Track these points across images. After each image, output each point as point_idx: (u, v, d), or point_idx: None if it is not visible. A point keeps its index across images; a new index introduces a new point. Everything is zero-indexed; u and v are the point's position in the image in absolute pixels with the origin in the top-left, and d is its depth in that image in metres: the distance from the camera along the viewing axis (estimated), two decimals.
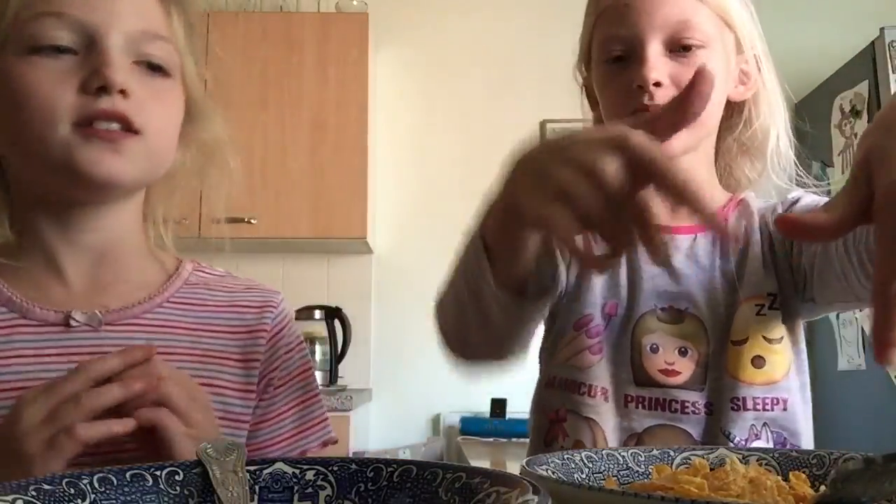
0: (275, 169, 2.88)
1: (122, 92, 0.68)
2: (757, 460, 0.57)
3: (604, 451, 0.56)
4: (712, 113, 0.91)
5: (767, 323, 0.89)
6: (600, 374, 0.90)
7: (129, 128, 0.69)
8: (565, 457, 0.53)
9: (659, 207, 0.89)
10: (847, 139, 2.76)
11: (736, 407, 0.86)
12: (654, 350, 0.89)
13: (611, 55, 0.91)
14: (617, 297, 0.93)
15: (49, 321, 0.71)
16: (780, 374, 0.88)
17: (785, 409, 0.87)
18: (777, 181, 0.98)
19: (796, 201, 0.95)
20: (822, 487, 0.51)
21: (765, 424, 0.86)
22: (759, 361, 0.87)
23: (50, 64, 0.67)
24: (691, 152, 0.89)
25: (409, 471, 0.39)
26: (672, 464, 0.56)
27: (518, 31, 3.26)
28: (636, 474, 0.55)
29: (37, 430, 0.56)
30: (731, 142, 0.98)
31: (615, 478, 0.54)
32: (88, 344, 0.71)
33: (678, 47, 0.88)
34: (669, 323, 0.90)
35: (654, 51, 0.87)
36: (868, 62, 2.66)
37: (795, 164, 0.99)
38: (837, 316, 2.72)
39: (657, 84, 0.86)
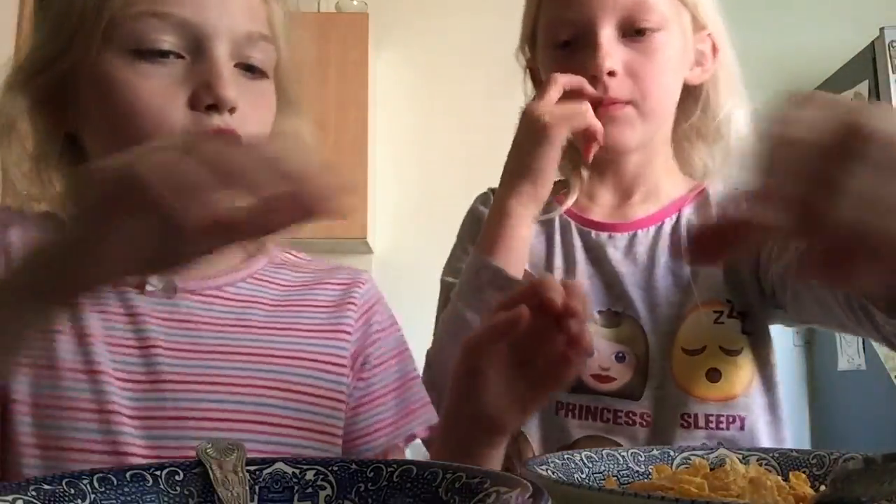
0: None
1: (231, 109, 0.65)
2: (757, 460, 0.57)
3: (604, 451, 0.56)
4: (666, 100, 0.86)
5: (726, 332, 0.81)
6: None
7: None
8: (565, 457, 0.53)
9: (597, 206, 0.91)
10: None
11: (686, 423, 0.78)
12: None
13: (559, 40, 0.85)
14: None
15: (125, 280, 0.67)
16: (739, 389, 0.80)
17: (742, 429, 0.79)
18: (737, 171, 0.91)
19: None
20: (822, 487, 0.51)
21: (719, 444, 0.71)
22: (714, 374, 0.80)
23: (156, 71, 0.64)
24: (654, 137, 0.87)
25: (409, 471, 0.39)
26: (672, 464, 0.56)
27: (518, 30, 3.25)
28: (636, 474, 0.55)
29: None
30: (687, 128, 0.91)
31: (615, 478, 0.54)
32: (160, 310, 0.68)
33: (632, 31, 0.82)
34: (606, 327, 0.83)
35: (607, 36, 0.81)
36: (868, 62, 2.66)
37: None
38: None
39: (611, 73, 0.80)
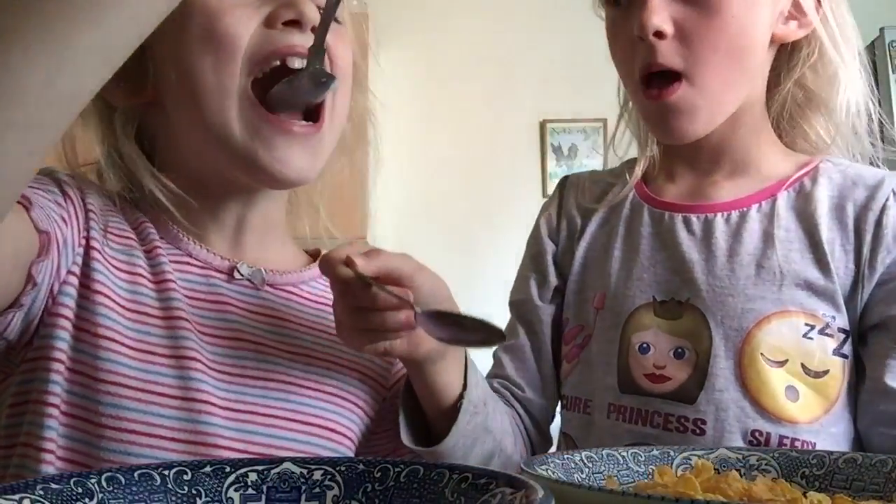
0: None
1: (312, 28, 0.62)
2: (757, 460, 0.57)
3: (604, 451, 0.56)
4: (732, 67, 0.74)
5: (813, 350, 0.70)
6: (575, 383, 0.81)
7: (313, 117, 0.65)
8: (565, 457, 0.53)
9: (675, 185, 0.83)
10: None
11: (756, 441, 0.69)
12: (645, 350, 0.74)
13: None
14: (606, 286, 0.80)
15: (214, 266, 0.67)
16: (809, 416, 0.70)
17: None
18: (851, 146, 0.79)
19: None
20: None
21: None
22: (792, 393, 0.70)
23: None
24: (730, 111, 0.76)
25: (416, 471, 0.40)
26: (672, 464, 0.57)
27: (518, 31, 3.26)
28: (636, 474, 0.55)
29: None
30: (787, 94, 0.79)
31: (615, 478, 0.54)
32: (247, 300, 0.67)
33: None
34: (665, 318, 0.75)
35: None
36: (868, 62, 2.66)
37: (881, 125, 0.80)
38: None
39: (658, 34, 0.71)
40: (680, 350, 0.73)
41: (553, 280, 0.87)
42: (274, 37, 0.62)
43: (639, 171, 0.85)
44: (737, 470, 0.54)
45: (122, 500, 0.39)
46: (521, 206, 3.26)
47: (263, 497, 0.40)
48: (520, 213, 3.17)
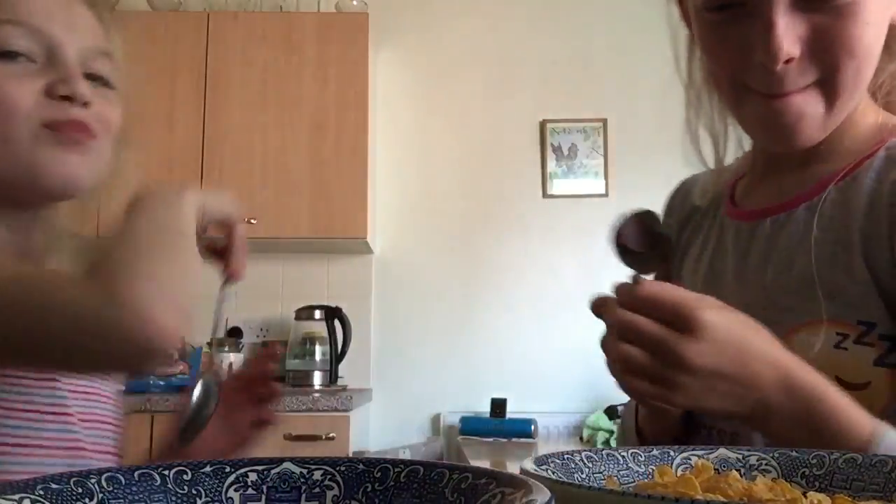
0: (275, 169, 2.88)
1: (85, 103, 0.72)
2: (757, 460, 0.57)
3: (604, 451, 0.56)
4: (866, 67, 0.67)
5: (849, 361, 0.65)
6: None
7: (89, 135, 0.73)
8: (565, 457, 0.53)
9: (760, 188, 0.77)
10: None
11: None
12: None
13: (716, 2, 0.66)
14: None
15: None
16: None
17: None
18: None
19: None
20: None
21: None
22: None
23: (8, 67, 0.70)
24: (851, 109, 0.69)
25: (416, 471, 0.40)
26: (672, 464, 0.57)
27: (518, 31, 3.26)
28: (636, 474, 0.55)
29: None
30: (888, 78, 0.72)
31: (615, 478, 0.54)
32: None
33: None
34: None
35: (783, 7, 0.62)
36: None
37: None
38: None
39: (788, 61, 0.63)
40: None
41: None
42: (59, 108, 0.71)
43: (727, 177, 0.82)
44: (737, 470, 0.54)
45: (122, 500, 0.39)
46: (521, 206, 3.27)
47: (263, 497, 0.40)
48: (520, 213, 3.19)
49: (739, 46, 0.66)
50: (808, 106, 0.67)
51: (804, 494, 0.46)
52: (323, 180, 2.88)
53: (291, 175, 2.88)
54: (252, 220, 2.81)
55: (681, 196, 0.91)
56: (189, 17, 3.04)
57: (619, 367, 0.61)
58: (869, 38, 0.66)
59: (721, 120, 0.80)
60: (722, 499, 0.45)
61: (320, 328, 2.88)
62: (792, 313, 0.68)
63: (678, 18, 0.78)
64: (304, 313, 2.91)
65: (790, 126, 0.68)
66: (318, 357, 2.85)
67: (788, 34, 0.62)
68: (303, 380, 2.80)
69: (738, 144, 0.83)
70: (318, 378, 2.83)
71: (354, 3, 3.12)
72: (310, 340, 2.87)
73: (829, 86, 0.67)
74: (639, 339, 0.58)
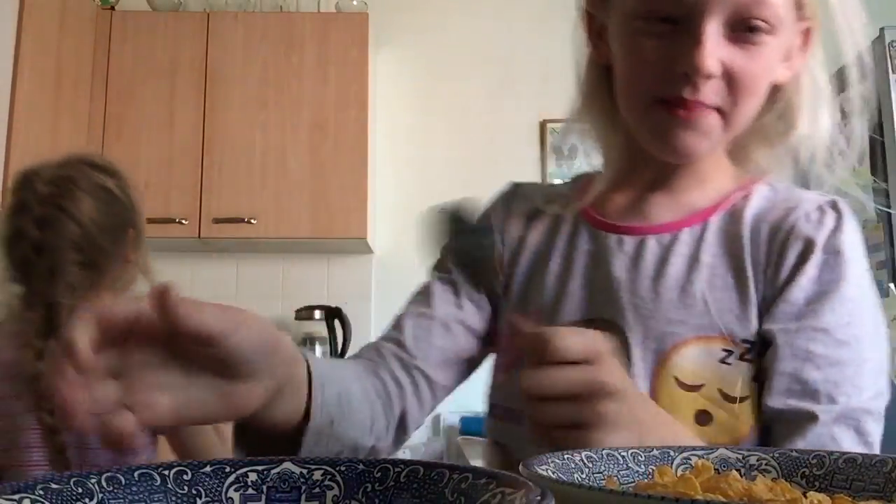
0: (275, 169, 2.89)
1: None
2: (756, 460, 0.57)
3: (604, 451, 0.56)
4: (755, 108, 0.74)
5: (730, 376, 0.70)
6: (507, 395, 0.81)
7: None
8: (565, 457, 0.53)
9: (614, 202, 0.82)
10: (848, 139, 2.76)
11: None
12: None
13: (655, 12, 0.71)
14: (539, 304, 0.80)
15: None
16: (728, 439, 0.69)
17: None
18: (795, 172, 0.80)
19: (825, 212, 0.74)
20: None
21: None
22: (703, 417, 0.70)
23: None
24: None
25: (416, 471, 0.40)
26: (672, 464, 0.57)
27: (518, 31, 3.26)
28: (636, 474, 0.55)
29: None
30: (754, 127, 0.78)
31: (615, 478, 0.54)
32: None
33: (742, 27, 0.69)
34: None
35: (713, 30, 0.68)
36: (868, 62, 2.66)
37: (843, 150, 0.79)
38: None
39: (707, 76, 0.69)
40: None
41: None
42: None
43: (585, 200, 0.85)
44: (737, 470, 0.54)
45: (122, 500, 0.39)
46: None
47: (263, 497, 0.40)
48: None
49: (663, 57, 0.70)
50: (707, 126, 0.72)
51: (804, 494, 0.46)
52: (323, 180, 2.88)
53: (291, 175, 2.89)
54: (252, 221, 2.81)
55: (521, 197, 0.93)
56: (189, 17, 3.04)
57: (540, 423, 0.57)
58: (765, 83, 0.74)
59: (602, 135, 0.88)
60: (722, 499, 0.45)
61: (320, 328, 2.89)
62: (685, 326, 0.73)
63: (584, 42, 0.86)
64: (304, 313, 2.91)
65: (689, 137, 0.73)
66: None
67: (714, 54, 0.68)
68: None
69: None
70: None
71: (354, 3, 3.12)
72: (310, 340, 2.87)
73: (726, 116, 0.72)
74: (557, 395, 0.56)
